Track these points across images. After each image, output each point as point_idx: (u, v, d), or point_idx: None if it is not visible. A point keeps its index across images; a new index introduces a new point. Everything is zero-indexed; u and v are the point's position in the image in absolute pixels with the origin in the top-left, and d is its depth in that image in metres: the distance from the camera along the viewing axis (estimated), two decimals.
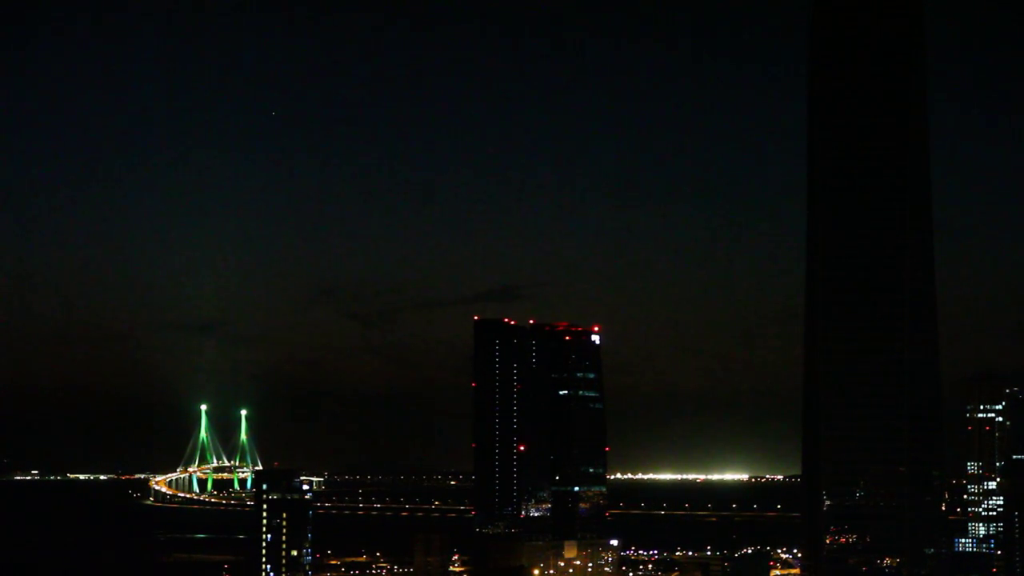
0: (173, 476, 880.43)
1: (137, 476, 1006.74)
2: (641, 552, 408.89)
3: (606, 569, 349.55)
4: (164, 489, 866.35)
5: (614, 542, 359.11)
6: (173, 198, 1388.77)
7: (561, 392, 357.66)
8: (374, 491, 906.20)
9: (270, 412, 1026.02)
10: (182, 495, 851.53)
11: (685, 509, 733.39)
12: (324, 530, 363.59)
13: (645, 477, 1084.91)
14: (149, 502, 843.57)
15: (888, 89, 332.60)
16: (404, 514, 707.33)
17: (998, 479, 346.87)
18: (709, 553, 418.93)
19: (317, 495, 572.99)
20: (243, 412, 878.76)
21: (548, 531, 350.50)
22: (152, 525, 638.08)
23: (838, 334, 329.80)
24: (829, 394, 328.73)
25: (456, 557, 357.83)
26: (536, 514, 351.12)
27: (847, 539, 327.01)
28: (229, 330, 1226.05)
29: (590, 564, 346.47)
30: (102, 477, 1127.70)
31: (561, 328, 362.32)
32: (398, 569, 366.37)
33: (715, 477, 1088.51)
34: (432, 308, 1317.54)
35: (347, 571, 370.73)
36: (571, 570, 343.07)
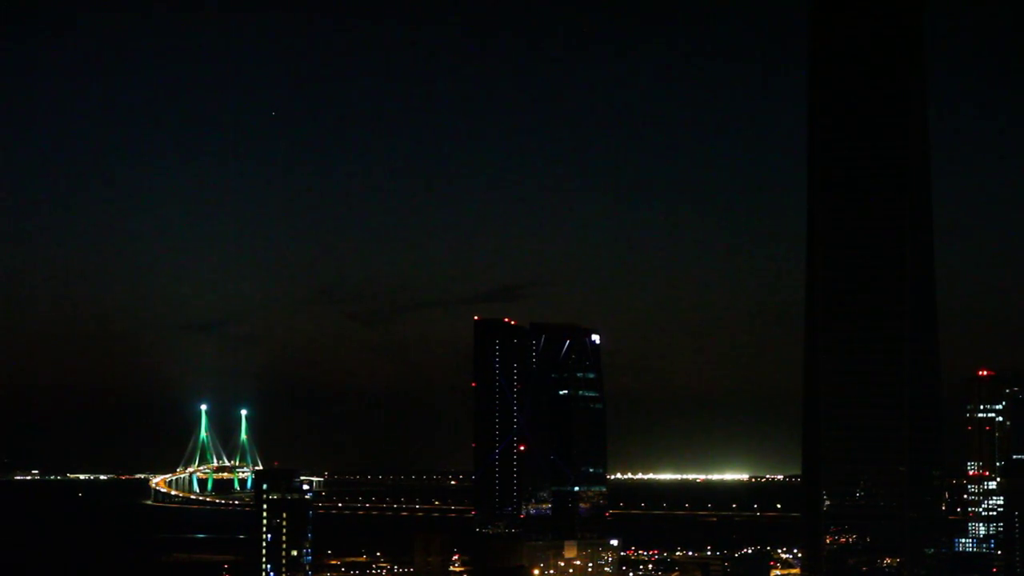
0: (173, 476, 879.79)
1: (137, 476, 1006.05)
2: (641, 552, 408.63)
3: (606, 569, 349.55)
4: (164, 489, 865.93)
5: (614, 542, 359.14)
6: (173, 198, 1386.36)
7: (561, 392, 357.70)
8: (374, 491, 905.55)
9: (270, 412, 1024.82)
10: (182, 495, 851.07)
11: (685, 509, 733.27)
12: (324, 530, 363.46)
13: (645, 477, 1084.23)
14: (149, 502, 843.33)
15: (888, 89, 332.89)
16: (404, 514, 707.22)
17: (998, 479, 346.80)
18: (709, 553, 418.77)
19: (317, 495, 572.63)
20: (243, 412, 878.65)
21: (548, 531, 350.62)
22: (152, 525, 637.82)
23: (838, 334, 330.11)
24: (829, 394, 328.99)
25: (456, 557, 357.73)
26: (536, 514, 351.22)
27: (847, 539, 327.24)
28: (229, 330, 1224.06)
29: (590, 564, 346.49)
30: (102, 477, 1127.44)
31: (561, 328, 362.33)
32: (398, 569, 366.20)
33: (715, 477, 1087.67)
34: (432, 308, 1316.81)
35: (347, 571, 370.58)
36: (571, 570, 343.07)
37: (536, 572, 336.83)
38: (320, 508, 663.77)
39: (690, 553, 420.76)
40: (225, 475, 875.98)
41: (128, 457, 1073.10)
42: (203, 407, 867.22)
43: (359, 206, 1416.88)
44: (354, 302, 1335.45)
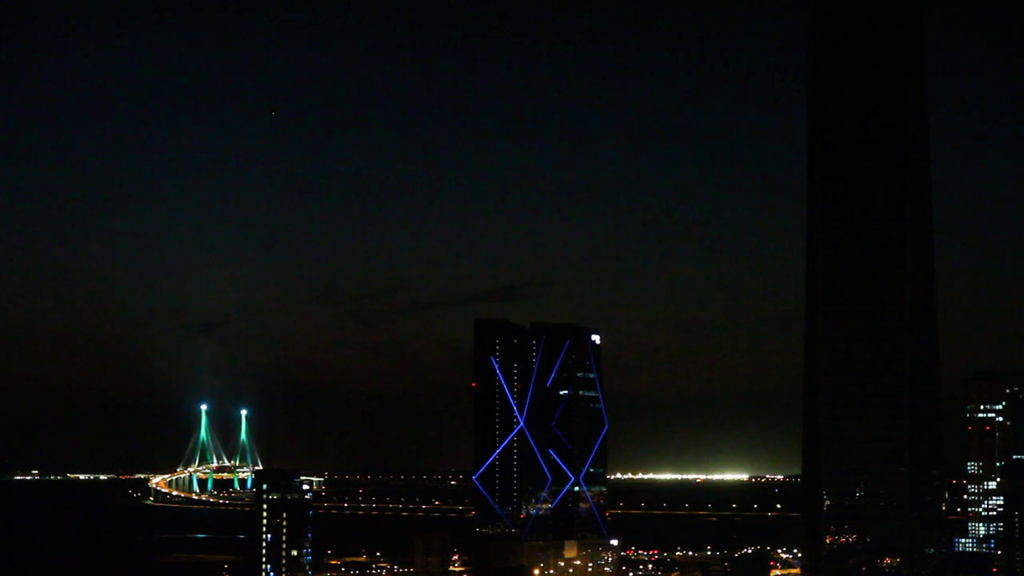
0: (173, 476, 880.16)
1: (137, 476, 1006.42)
2: (641, 552, 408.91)
3: (606, 569, 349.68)
4: (164, 489, 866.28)
5: (614, 542, 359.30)
6: (173, 198, 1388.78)
7: (561, 392, 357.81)
8: (374, 491, 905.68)
9: (270, 412, 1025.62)
10: (182, 495, 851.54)
11: (685, 509, 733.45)
12: (324, 530, 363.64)
13: (645, 477, 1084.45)
14: (149, 502, 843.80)
15: (888, 89, 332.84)
16: (404, 514, 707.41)
17: (998, 479, 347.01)
18: (709, 553, 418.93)
19: (317, 495, 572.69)
20: (243, 412, 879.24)
21: (548, 531, 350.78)
22: (152, 525, 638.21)
23: (838, 334, 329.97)
24: (829, 394, 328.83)
25: (456, 557, 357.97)
26: (536, 514, 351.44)
27: (847, 539, 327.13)
28: (229, 330, 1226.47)
29: (590, 564, 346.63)
30: (102, 477, 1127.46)
31: (561, 328, 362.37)
32: (398, 569, 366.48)
33: (715, 477, 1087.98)
34: (432, 308, 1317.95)
35: (347, 571, 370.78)
36: (571, 570, 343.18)
37: (536, 572, 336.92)
38: (325, 508, 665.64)
39: (690, 553, 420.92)
40: (225, 475, 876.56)
41: (128, 457, 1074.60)
42: (203, 407, 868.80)
43: (359, 206, 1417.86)
44: (354, 302, 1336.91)
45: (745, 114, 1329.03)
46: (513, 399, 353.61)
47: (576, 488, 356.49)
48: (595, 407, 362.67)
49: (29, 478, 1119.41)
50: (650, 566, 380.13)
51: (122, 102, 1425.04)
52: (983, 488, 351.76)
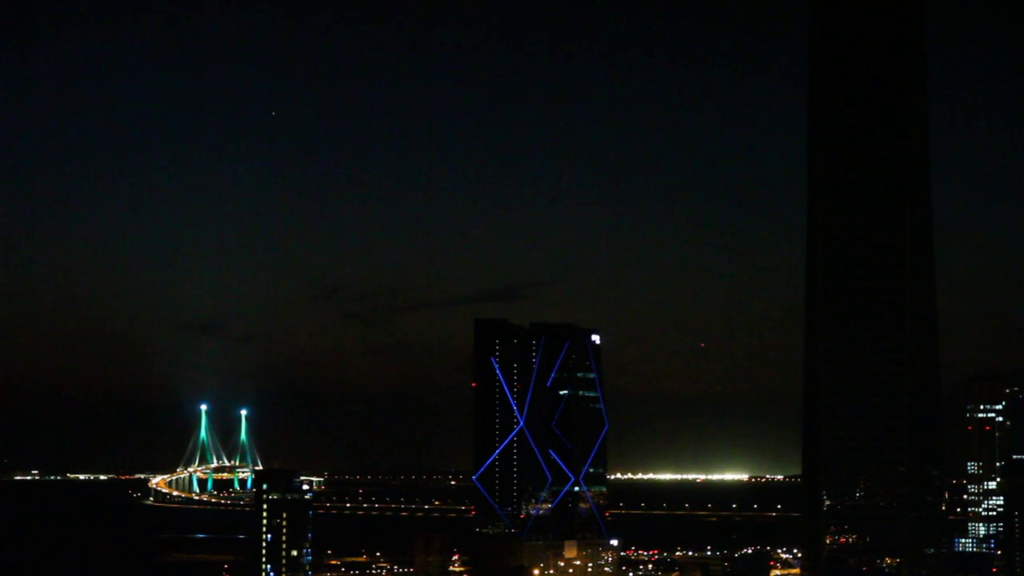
0: (173, 476, 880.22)
1: (137, 476, 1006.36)
2: (641, 552, 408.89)
3: (606, 569, 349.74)
4: (164, 489, 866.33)
5: (614, 542, 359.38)
6: (173, 198, 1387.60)
7: (561, 392, 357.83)
8: (374, 491, 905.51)
9: (270, 412, 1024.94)
10: (182, 495, 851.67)
11: (685, 509, 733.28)
12: (324, 530, 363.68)
13: (645, 477, 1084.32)
14: (149, 502, 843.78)
15: (888, 89, 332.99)
16: (404, 514, 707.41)
17: (998, 479, 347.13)
18: (709, 553, 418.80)
19: (317, 495, 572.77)
20: (243, 412, 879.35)
21: (548, 531, 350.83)
22: (152, 525, 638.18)
23: (838, 334, 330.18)
24: (829, 394, 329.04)
25: (456, 557, 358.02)
26: (536, 514, 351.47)
27: (847, 539, 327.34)
28: (229, 330, 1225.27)
29: (590, 564, 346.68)
30: (102, 477, 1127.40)
31: (561, 328, 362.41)
32: (398, 569, 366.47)
33: (715, 477, 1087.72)
34: (432, 308, 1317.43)
35: (347, 571, 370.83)
36: (571, 570, 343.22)
37: (536, 572, 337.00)
38: (325, 508, 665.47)
39: (690, 553, 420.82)
40: (225, 475, 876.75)
41: (128, 457, 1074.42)
42: (203, 407, 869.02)
43: (359, 206, 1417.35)
44: (354, 302, 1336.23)
45: (745, 114, 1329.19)
46: (513, 399, 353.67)
47: (576, 488, 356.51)
48: (595, 407, 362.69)
49: (29, 478, 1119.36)
50: (650, 566, 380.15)
51: (122, 102, 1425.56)
52: (983, 488, 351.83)
